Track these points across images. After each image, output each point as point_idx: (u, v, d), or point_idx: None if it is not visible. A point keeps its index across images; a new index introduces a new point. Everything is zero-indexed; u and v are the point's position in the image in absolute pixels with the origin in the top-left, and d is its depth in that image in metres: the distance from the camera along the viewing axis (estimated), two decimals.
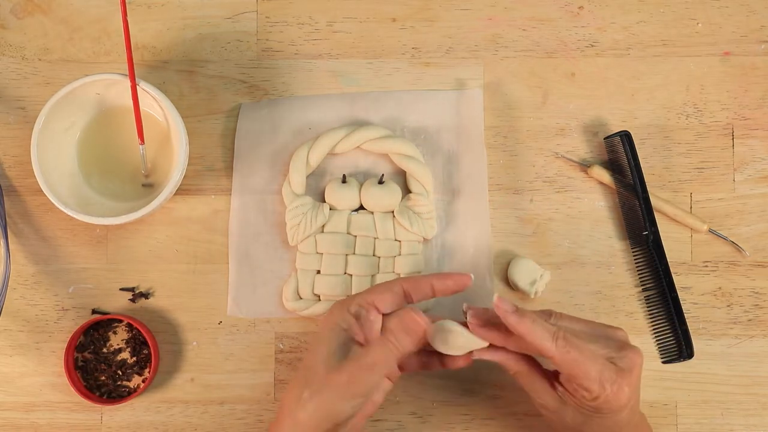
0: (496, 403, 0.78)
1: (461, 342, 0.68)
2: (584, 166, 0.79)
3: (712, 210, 0.79)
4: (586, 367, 0.64)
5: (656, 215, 0.78)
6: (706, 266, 0.79)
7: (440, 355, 0.71)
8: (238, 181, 0.79)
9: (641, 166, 0.77)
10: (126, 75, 0.73)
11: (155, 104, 0.75)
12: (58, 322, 0.79)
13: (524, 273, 0.77)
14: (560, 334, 0.65)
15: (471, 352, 0.69)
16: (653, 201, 0.77)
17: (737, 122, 0.79)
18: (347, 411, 0.65)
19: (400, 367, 0.71)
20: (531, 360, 0.69)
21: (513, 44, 0.80)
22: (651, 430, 0.71)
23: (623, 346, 0.67)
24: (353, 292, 0.77)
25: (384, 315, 0.69)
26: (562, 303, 0.78)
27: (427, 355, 0.72)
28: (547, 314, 0.68)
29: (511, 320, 0.65)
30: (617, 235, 0.79)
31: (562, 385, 0.67)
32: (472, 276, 0.70)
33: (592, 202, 0.79)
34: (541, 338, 0.65)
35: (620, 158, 0.77)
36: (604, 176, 0.78)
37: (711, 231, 0.78)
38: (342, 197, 0.77)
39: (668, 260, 0.78)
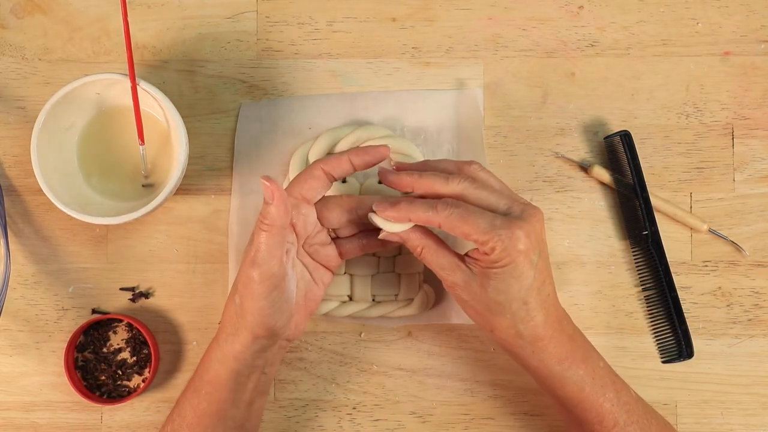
0: (496, 403, 0.78)
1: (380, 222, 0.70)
2: (584, 166, 0.79)
3: (712, 210, 0.79)
4: (473, 219, 0.64)
5: (656, 215, 0.78)
6: (706, 266, 0.79)
7: (378, 235, 0.71)
8: (238, 181, 0.79)
9: (641, 165, 0.77)
10: (126, 75, 0.72)
11: (155, 104, 0.75)
12: (58, 322, 0.79)
13: None
14: (441, 203, 0.65)
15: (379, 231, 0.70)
16: (653, 201, 0.77)
17: (737, 122, 0.79)
18: (269, 311, 0.66)
19: (341, 253, 0.72)
20: (436, 237, 0.69)
21: (513, 44, 0.80)
22: (569, 320, 0.70)
23: (522, 203, 0.66)
24: (354, 293, 0.77)
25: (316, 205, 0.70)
26: (562, 303, 0.78)
27: (366, 236, 0.73)
28: (453, 167, 0.68)
29: (390, 213, 0.68)
30: (617, 235, 0.79)
31: (468, 255, 0.67)
32: (390, 146, 0.71)
33: (592, 202, 0.79)
34: (421, 214, 0.66)
35: (620, 158, 0.77)
36: (604, 176, 0.78)
37: (711, 231, 0.78)
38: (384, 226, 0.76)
39: (668, 260, 0.78)
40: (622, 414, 0.68)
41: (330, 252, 0.72)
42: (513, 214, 0.65)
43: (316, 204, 0.70)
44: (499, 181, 0.68)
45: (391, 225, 0.69)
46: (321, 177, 0.69)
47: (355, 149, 0.71)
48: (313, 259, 0.72)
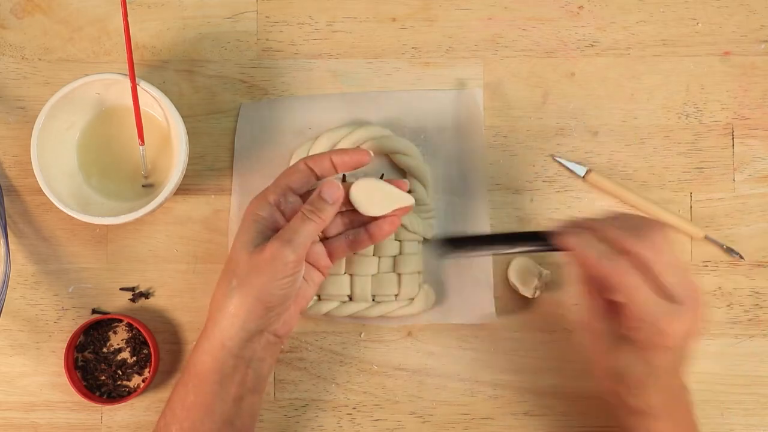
0: (496, 403, 0.78)
1: (381, 197, 0.70)
2: (580, 174, 0.78)
3: (712, 210, 0.79)
4: (637, 294, 0.62)
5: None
6: (706, 266, 0.79)
7: (367, 231, 0.72)
8: (238, 181, 0.79)
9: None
10: (126, 75, 0.73)
11: (155, 104, 0.75)
12: (58, 322, 0.79)
13: (524, 273, 0.77)
14: (614, 256, 0.63)
15: (395, 212, 0.71)
16: (651, 206, 0.77)
17: (737, 122, 0.79)
18: (275, 294, 0.66)
19: (330, 255, 0.73)
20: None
21: (513, 44, 0.80)
22: (688, 397, 0.68)
23: (697, 299, 0.63)
24: (354, 293, 0.77)
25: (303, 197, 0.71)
26: (562, 303, 0.78)
27: (354, 233, 0.73)
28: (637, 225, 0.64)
29: (566, 240, 0.65)
30: None
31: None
32: (371, 153, 0.71)
33: (592, 202, 0.79)
34: (590, 258, 0.63)
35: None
36: (601, 183, 0.78)
37: (707, 238, 0.78)
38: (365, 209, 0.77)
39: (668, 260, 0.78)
40: None
41: (318, 250, 0.72)
42: (680, 303, 0.62)
43: (303, 197, 0.71)
44: (675, 267, 0.63)
45: (372, 209, 0.70)
46: (305, 170, 0.70)
47: (337, 149, 0.72)
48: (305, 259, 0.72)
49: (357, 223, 0.73)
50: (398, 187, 0.72)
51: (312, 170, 0.70)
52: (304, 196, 0.71)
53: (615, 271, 0.62)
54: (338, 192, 0.68)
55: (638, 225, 0.64)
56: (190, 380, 0.68)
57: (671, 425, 0.66)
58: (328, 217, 0.68)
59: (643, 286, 0.62)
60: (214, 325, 0.68)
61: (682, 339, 0.63)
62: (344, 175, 0.77)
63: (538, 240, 0.69)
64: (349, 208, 0.72)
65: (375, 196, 0.70)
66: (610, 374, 0.66)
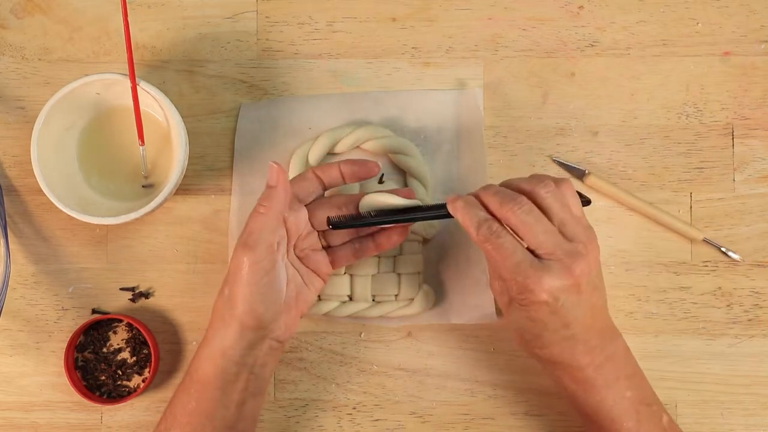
0: (496, 403, 0.78)
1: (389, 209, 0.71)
2: (579, 176, 0.78)
3: (711, 210, 0.79)
4: (503, 256, 0.64)
5: (652, 224, 0.78)
6: (706, 266, 0.79)
7: (374, 240, 0.73)
8: (238, 181, 0.79)
9: None
10: (126, 75, 0.73)
11: (155, 104, 0.75)
12: (58, 322, 0.79)
13: None
14: (486, 224, 0.65)
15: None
16: (650, 208, 0.77)
17: (737, 122, 0.79)
18: (257, 300, 0.66)
19: (333, 263, 0.73)
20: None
21: (513, 44, 0.80)
22: (605, 345, 0.68)
23: (574, 252, 0.64)
24: (354, 293, 0.77)
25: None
26: None
27: (360, 241, 0.73)
28: (533, 185, 0.66)
29: (449, 205, 0.67)
30: (617, 234, 0.79)
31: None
32: (380, 165, 0.72)
33: (593, 201, 0.79)
34: (468, 223, 0.66)
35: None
36: (601, 186, 0.78)
37: (706, 240, 0.78)
38: None
39: (668, 260, 0.78)
40: None
41: (320, 258, 0.73)
42: (550, 260, 0.64)
43: (308, 206, 0.72)
44: (564, 211, 0.65)
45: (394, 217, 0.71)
46: (313, 179, 0.71)
47: (347, 159, 0.72)
48: (304, 264, 0.72)
49: (363, 232, 0.73)
50: (406, 196, 0.72)
51: (320, 179, 0.71)
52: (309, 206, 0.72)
53: (478, 235, 0.65)
54: (276, 173, 0.67)
55: (522, 186, 0.67)
56: (192, 386, 0.69)
57: (592, 371, 0.67)
58: (277, 202, 0.67)
59: (511, 245, 0.64)
60: (215, 333, 0.68)
61: (559, 292, 0.64)
62: (380, 177, 0.77)
63: (432, 210, 0.70)
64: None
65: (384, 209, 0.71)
66: (513, 331, 0.68)
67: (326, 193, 0.75)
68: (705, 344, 0.78)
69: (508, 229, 0.66)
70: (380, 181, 0.77)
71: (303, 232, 0.71)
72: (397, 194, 0.72)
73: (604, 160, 0.79)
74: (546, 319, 0.65)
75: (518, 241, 0.65)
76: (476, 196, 0.67)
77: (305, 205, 0.72)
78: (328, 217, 0.71)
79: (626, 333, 0.77)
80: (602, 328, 0.68)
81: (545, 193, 0.65)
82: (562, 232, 0.65)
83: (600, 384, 0.67)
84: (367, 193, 0.72)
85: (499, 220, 0.66)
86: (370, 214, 0.71)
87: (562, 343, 0.66)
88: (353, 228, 0.72)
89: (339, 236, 0.73)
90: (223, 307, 0.68)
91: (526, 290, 0.64)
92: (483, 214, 0.66)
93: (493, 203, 0.66)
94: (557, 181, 0.67)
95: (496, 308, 0.78)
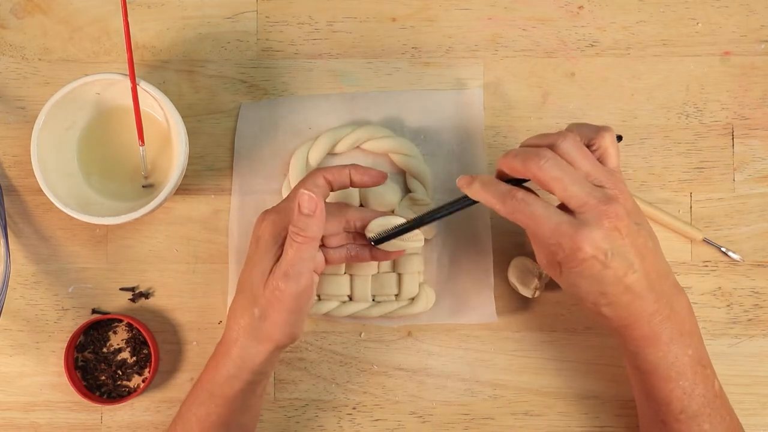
0: (496, 403, 0.78)
1: (400, 238, 0.71)
2: None
3: (711, 210, 0.79)
4: (539, 221, 0.63)
5: (652, 224, 0.78)
6: (706, 266, 0.79)
7: (370, 251, 0.73)
8: (238, 181, 0.79)
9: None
10: (126, 75, 0.73)
11: (155, 104, 0.75)
12: (58, 322, 0.79)
13: (524, 273, 0.77)
14: (510, 194, 0.64)
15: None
16: (649, 208, 0.77)
17: (737, 122, 0.79)
18: (297, 326, 0.67)
19: (327, 261, 0.72)
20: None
21: (513, 44, 0.80)
22: (669, 298, 0.66)
23: (605, 197, 0.63)
24: (354, 293, 0.77)
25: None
26: (562, 303, 0.78)
27: (356, 248, 0.73)
28: (553, 138, 0.65)
29: (466, 190, 0.67)
30: None
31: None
32: (387, 174, 0.72)
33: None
34: (493, 201, 0.65)
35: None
36: None
37: (706, 240, 0.78)
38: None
39: (668, 260, 0.78)
40: (692, 404, 0.67)
41: (318, 257, 0.72)
42: (584, 213, 0.63)
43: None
44: (587, 160, 0.64)
45: (385, 246, 0.72)
46: (323, 185, 0.70)
47: (358, 167, 0.71)
48: None
49: (361, 240, 0.73)
50: (377, 178, 0.71)
51: (330, 183, 0.70)
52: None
53: (506, 205, 0.64)
54: (313, 202, 0.65)
55: (541, 142, 0.66)
56: (213, 401, 0.69)
57: (657, 323, 0.65)
58: (313, 232, 0.66)
59: (543, 209, 0.63)
60: (242, 350, 0.68)
61: (602, 242, 0.63)
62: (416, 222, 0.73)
63: (455, 204, 0.70)
64: (359, 231, 0.72)
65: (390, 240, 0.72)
66: (575, 298, 0.67)
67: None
68: (705, 344, 0.78)
69: (534, 192, 0.65)
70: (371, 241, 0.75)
71: None
72: (368, 173, 0.71)
73: None
74: (601, 274, 0.64)
75: (547, 203, 0.64)
76: (498, 168, 0.67)
77: None
78: (370, 239, 0.71)
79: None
80: (662, 273, 0.66)
81: (567, 146, 0.64)
82: (588, 180, 0.64)
83: (665, 338, 0.66)
84: (378, 218, 0.72)
85: (523, 188, 0.65)
86: (406, 221, 0.71)
87: (626, 295, 0.64)
88: (388, 240, 0.72)
89: (336, 239, 0.73)
90: (254, 328, 0.67)
91: (572, 251, 0.63)
92: (504, 186, 0.65)
93: (516, 164, 0.64)
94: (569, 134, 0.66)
95: (497, 308, 0.78)
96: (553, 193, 0.64)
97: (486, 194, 0.65)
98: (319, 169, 0.71)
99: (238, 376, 0.68)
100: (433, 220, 0.71)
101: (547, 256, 0.66)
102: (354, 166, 0.71)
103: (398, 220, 0.71)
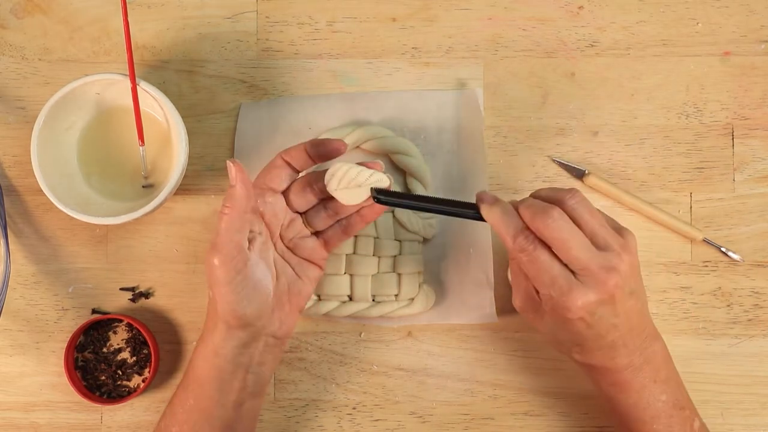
0: (496, 403, 0.78)
1: (355, 186, 0.69)
2: (578, 177, 0.78)
3: (711, 210, 0.79)
4: (539, 272, 0.64)
5: (652, 224, 0.78)
6: (706, 266, 0.79)
7: (358, 213, 0.72)
8: None
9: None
10: (126, 75, 0.73)
11: (155, 104, 0.75)
12: (58, 322, 0.79)
13: None
14: (523, 234, 0.64)
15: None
16: (649, 208, 0.77)
17: (737, 122, 0.79)
18: (234, 301, 0.66)
19: (326, 245, 0.72)
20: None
21: (513, 44, 0.80)
22: (643, 350, 0.67)
23: (607, 265, 0.63)
24: (354, 293, 0.77)
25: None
26: None
27: (346, 219, 0.73)
28: (562, 195, 0.65)
29: (484, 209, 0.67)
30: None
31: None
32: (347, 143, 0.71)
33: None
34: (504, 231, 0.65)
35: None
36: (600, 185, 0.78)
37: (706, 240, 0.78)
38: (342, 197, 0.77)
39: (668, 260, 0.78)
40: None
41: (312, 245, 0.72)
42: (584, 276, 0.63)
43: (284, 192, 0.71)
44: (594, 219, 0.65)
45: (350, 198, 0.69)
46: (282, 165, 0.70)
47: (313, 140, 0.71)
48: (296, 254, 0.72)
49: (344, 212, 0.72)
50: (333, 147, 0.70)
51: (289, 164, 0.70)
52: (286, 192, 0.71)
53: (515, 245, 0.64)
54: (235, 172, 0.65)
55: (550, 196, 0.66)
56: (190, 384, 0.69)
57: (629, 374, 0.67)
58: (239, 201, 0.65)
59: (547, 258, 0.64)
60: (208, 332, 0.68)
61: (594, 307, 0.63)
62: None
63: (465, 208, 0.69)
64: (329, 198, 0.72)
65: (350, 186, 0.69)
66: (548, 339, 0.68)
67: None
68: (705, 344, 0.78)
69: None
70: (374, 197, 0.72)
71: (284, 221, 0.71)
72: (323, 144, 0.70)
73: (604, 160, 0.79)
74: (584, 332, 0.65)
75: (553, 254, 0.64)
76: (513, 204, 0.67)
77: (282, 192, 0.71)
78: (374, 189, 0.69)
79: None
80: (642, 329, 0.67)
81: (574, 203, 0.65)
82: (594, 242, 0.64)
83: (636, 386, 0.67)
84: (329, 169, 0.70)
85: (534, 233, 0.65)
86: (415, 197, 0.70)
87: (601, 350, 0.66)
88: (397, 206, 0.71)
89: (322, 220, 0.72)
90: (210, 308, 0.68)
91: (562, 306, 0.64)
92: (521, 223, 0.65)
93: (526, 215, 0.65)
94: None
95: (497, 308, 0.78)
96: (557, 253, 0.64)
97: (502, 224, 0.65)
98: (278, 154, 0.70)
99: (207, 358, 0.68)
100: (433, 212, 0.70)
101: (528, 300, 0.67)
102: (309, 141, 0.70)
103: (355, 169, 0.69)
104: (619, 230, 0.66)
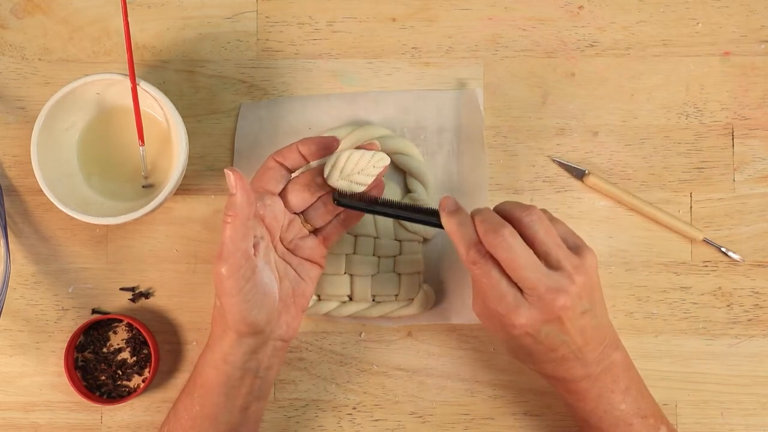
0: (496, 403, 0.78)
1: (357, 172, 0.69)
2: (578, 177, 0.78)
3: (711, 210, 0.79)
4: (489, 286, 0.64)
5: (652, 224, 0.78)
6: (706, 266, 0.79)
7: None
8: None
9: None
10: (126, 75, 0.73)
11: (155, 104, 0.75)
12: (58, 322, 0.79)
13: None
14: (476, 247, 0.64)
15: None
16: (650, 210, 0.77)
17: (737, 122, 0.79)
18: (244, 309, 0.65)
19: (325, 241, 0.73)
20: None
21: (513, 44, 0.80)
22: (600, 360, 0.67)
23: (556, 287, 0.63)
24: (354, 293, 0.77)
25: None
26: None
27: (345, 213, 0.73)
28: (520, 212, 0.64)
29: (442, 218, 0.67)
30: (617, 234, 0.79)
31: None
32: (340, 138, 0.71)
33: (592, 202, 0.79)
34: (458, 242, 0.65)
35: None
36: (600, 185, 0.78)
37: (706, 240, 0.78)
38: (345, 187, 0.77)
39: (668, 260, 0.78)
40: None
41: (311, 244, 0.72)
42: (532, 296, 0.63)
43: (280, 194, 0.71)
44: (549, 237, 0.64)
45: (353, 186, 0.69)
46: (276, 167, 0.70)
47: (305, 138, 0.70)
48: (296, 254, 0.72)
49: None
50: (325, 143, 0.70)
51: (282, 165, 0.70)
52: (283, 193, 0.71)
53: (468, 256, 0.64)
54: (234, 180, 0.64)
55: (508, 211, 0.66)
56: (196, 390, 0.69)
57: (586, 383, 0.67)
58: (241, 208, 0.64)
59: (497, 274, 0.64)
60: (216, 339, 0.68)
61: (540, 326, 0.64)
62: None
63: (430, 215, 0.69)
64: (328, 192, 0.72)
65: (353, 173, 0.69)
66: (503, 347, 0.69)
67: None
68: (705, 344, 0.78)
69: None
70: (334, 200, 0.72)
71: (284, 222, 0.71)
72: (314, 142, 0.70)
73: (604, 160, 0.79)
74: (532, 347, 0.65)
75: (503, 271, 0.64)
76: (471, 215, 0.66)
77: (279, 194, 0.71)
78: (334, 193, 0.69)
79: (626, 333, 0.78)
80: (599, 342, 0.67)
81: (530, 221, 0.64)
82: (546, 261, 0.64)
83: (593, 395, 0.67)
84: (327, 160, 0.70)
85: None
86: (376, 201, 0.70)
87: (553, 362, 0.66)
88: (356, 210, 0.70)
89: (321, 216, 0.72)
90: (218, 316, 0.68)
91: (507, 323, 0.64)
92: (476, 236, 0.65)
93: (479, 230, 0.65)
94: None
95: None
96: (507, 271, 0.64)
97: (457, 235, 0.65)
98: (270, 156, 0.70)
99: (215, 365, 0.68)
100: (394, 217, 0.70)
101: (485, 308, 0.67)
102: (301, 140, 0.70)
103: (356, 154, 0.69)
104: (577, 249, 0.65)
